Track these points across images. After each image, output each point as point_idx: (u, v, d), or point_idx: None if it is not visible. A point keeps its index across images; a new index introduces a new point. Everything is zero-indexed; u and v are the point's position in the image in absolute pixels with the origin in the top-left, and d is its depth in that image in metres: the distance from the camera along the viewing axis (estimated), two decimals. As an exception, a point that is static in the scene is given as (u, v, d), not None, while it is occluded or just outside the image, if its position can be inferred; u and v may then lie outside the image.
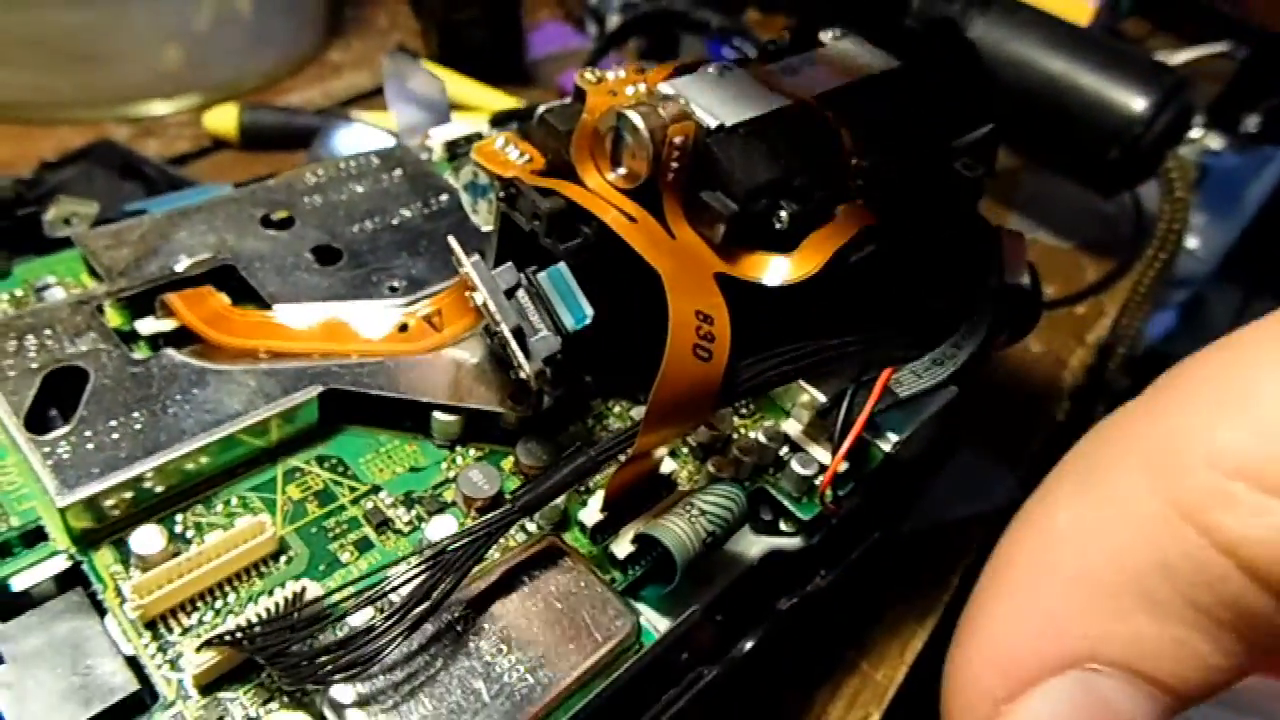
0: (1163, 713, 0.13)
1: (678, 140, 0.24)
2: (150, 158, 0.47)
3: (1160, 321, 0.62)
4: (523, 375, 0.24)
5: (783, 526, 0.29)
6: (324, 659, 0.20)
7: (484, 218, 0.29)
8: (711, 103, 0.26)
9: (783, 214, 0.26)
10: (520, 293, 0.24)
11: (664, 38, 0.65)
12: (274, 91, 0.58)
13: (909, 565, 0.38)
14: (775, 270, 0.26)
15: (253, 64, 0.58)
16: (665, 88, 0.27)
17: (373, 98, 0.59)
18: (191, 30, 0.54)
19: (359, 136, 0.50)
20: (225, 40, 0.55)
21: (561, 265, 0.24)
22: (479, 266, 0.23)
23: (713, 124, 0.26)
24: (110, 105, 0.53)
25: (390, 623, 0.20)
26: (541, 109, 0.28)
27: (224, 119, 0.52)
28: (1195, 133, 0.65)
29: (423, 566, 0.21)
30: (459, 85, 0.56)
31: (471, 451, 0.27)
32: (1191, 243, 0.63)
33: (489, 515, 0.22)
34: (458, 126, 0.37)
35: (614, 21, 0.67)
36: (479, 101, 0.57)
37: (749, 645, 0.26)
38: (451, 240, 0.24)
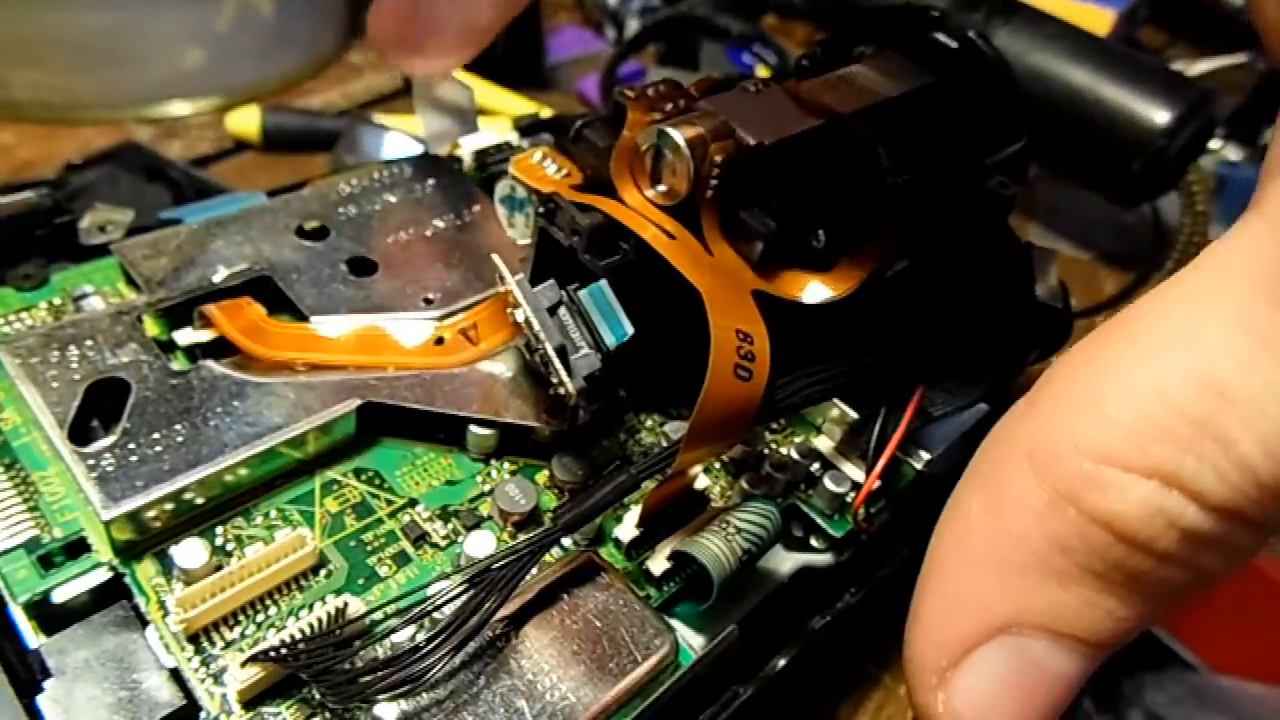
0: (1085, 663, 0.15)
1: (718, 158, 0.24)
2: (174, 160, 0.47)
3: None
4: (563, 392, 0.24)
5: (813, 543, 0.29)
6: (370, 678, 0.20)
7: (520, 232, 0.29)
8: (750, 120, 0.26)
9: (820, 232, 0.27)
10: (562, 310, 0.24)
11: (683, 43, 0.65)
12: (294, 93, 0.58)
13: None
14: (813, 289, 0.26)
15: (273, 65, 0.58)
16: (704, 105, 0.27)
17: (392, 100, 0.59)
18: (213, 32, 0.54)
19: (381, 140, 0.50)
20: (246, 42, 0.56)
21: (603, 283, 0.24)
22: (523, 284, 0.23)
23: (752, 142, 0.26)
24: (133, 106, 0.53)
25: (436, 642, 0.20)
26: (579, 123, 0.28)
27: (246, 121, 0.52)
28: (1214, 144, 0.65)
29: (466, 585, 0.21)
30: (479, 89, 0.56)
31: (506, 465, 0.27)
32: (1209, 254, 0.63)
33: (533, 534, 0.22)
34: (487, 135, 0.37)
35: (633, 27, 0.67)
36: (498, 106, 0.57)
37: (782, 663, 0.26)
38: (495, 258, 0.24)
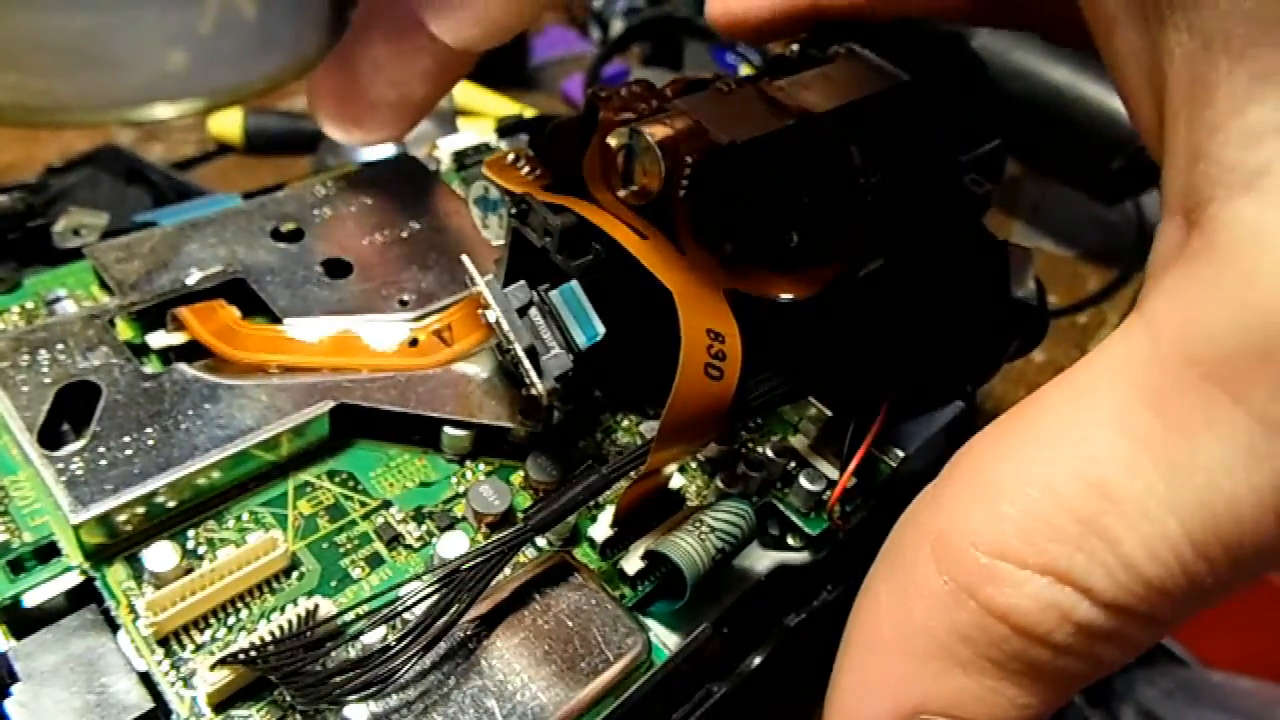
0: None
1: (689, 158, 0.24)
2: (155, 163, 0.47)
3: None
4: (535, 393, 0.24)
5: (790, 541, 0.29)
6: (339, 679, 0.20)
7: (494, 232, 0.29)
8: (722, 119, 0.26)
9: (793, 232, 0.27)
10: (533, 311, 0.24)
11: (667, 44, 0.65)
12: (278, 95, 0.58)
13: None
14: (786, 288, 0.26)
15: (257, 68, 0.58)
16: (677, 104, 0.27)
17: (376, 102, 0.59)
18: (196, 34, 0.54)
19: (364, 142, 0.49)
20: (229, 44, 0.55)
21: (574, 283, 0.24)
22: (492, 285, 0.23)
23: (724, 141, 0.26)
24: (114, 109, 0.53)
25: (405, 643, 0.20)
26: (552, 124, 0.28)
27: (228, 123, 0.52)
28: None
29: (436, 585, 0.21)
30: (462, 90, 0.56)
31: (481, 466, 0.27)
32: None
33: (503, 534, 0.22)
34: (465, 136, 0.37)
35: (617, 27, 0.67)
36: (482, 106, 0.57)
37: (757, 661, 0.26)
38: (465, 259, 0.24)
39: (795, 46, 0.33)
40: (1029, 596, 0.14)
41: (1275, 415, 0.13)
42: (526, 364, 0.23)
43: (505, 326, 0.23)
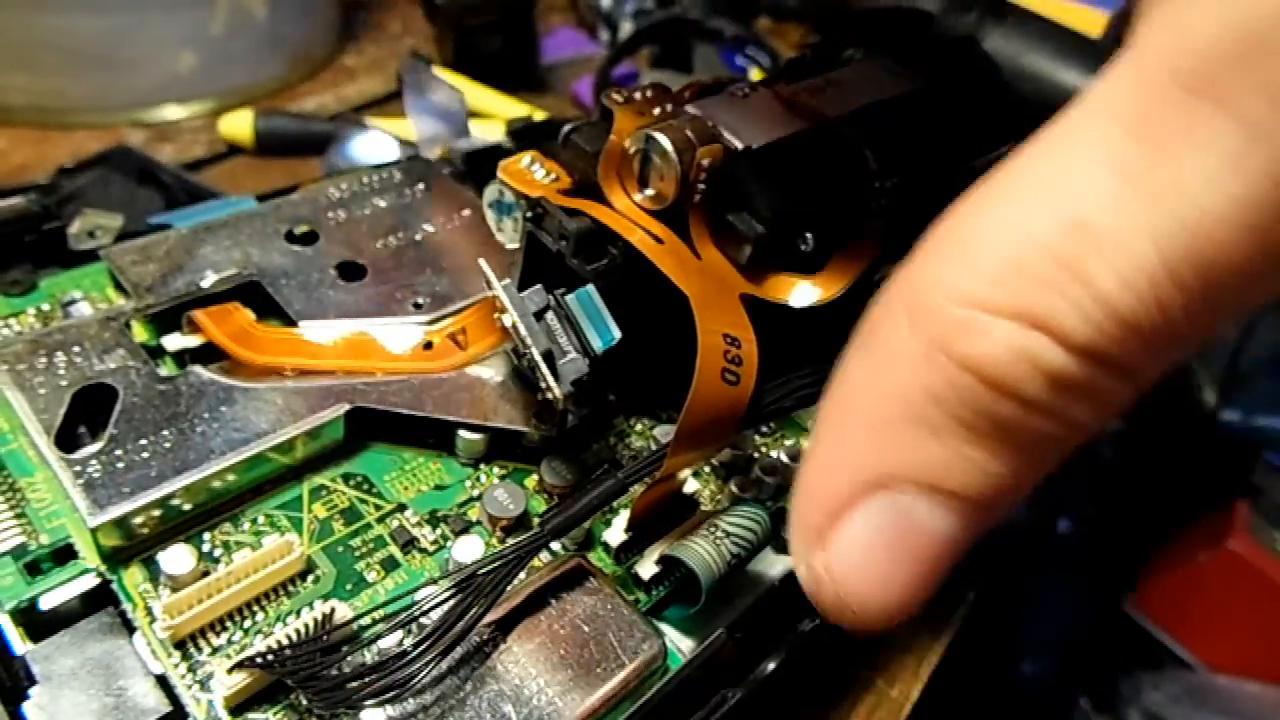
0: (962, 522, 0.15)
1: (705, 162, 0.24)
2: (166, 164, 0.47)
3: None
4: (551, 397, 0.24)
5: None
6: (356, 684, 0.20)
7: (508, 236, 0.29)
8: (737, 124, 0.26)
9: (808, 235, 0.27)
10: (549, 315, 0.24)
11: (677, 46, 0.65)
12: (287, 96, 0.58)
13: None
14: (801, 292, 0.26)
15: (267, 69, 0.58)
16: (692, 109, 0.27)
17: (386, 103, 0.59)
18: (206, 35, 0.54)
19: (374, 143, 0.50)
20: (239, 45, 0.56)
21: (590, 287, 0.24)
22: (509, 290, 0.23)
23: (739, 146, 0.26)
24: (125, 110, 0.53)
25: (423, 648, 0.20)
26: (567, 128, 0.28)
27: (239, 125, 0.52)
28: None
29: (453, 590, 0.21)
30: (473, 91, 0.56)
31: (495, 470, 0.27)
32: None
33: (519, 539, 0.22)
34: (478, 139, 0.37)
35: (626, 29, 0.67)
36: (492, 108, 0.57)
37: (771, 666, 0.26)
38: (482, 263, 0.24)
39: (808, 51, 0.33)
40: (999, 344, 0.13)
41: (1259, 115, 0.12)
42: (543, 368, 0.23)
43: (522, 331, 0.23)
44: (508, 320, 0.24)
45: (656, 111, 0.27)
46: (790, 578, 0.28)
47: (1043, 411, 0.14)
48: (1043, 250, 0.13)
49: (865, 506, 0.15)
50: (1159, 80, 0.13)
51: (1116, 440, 0.76)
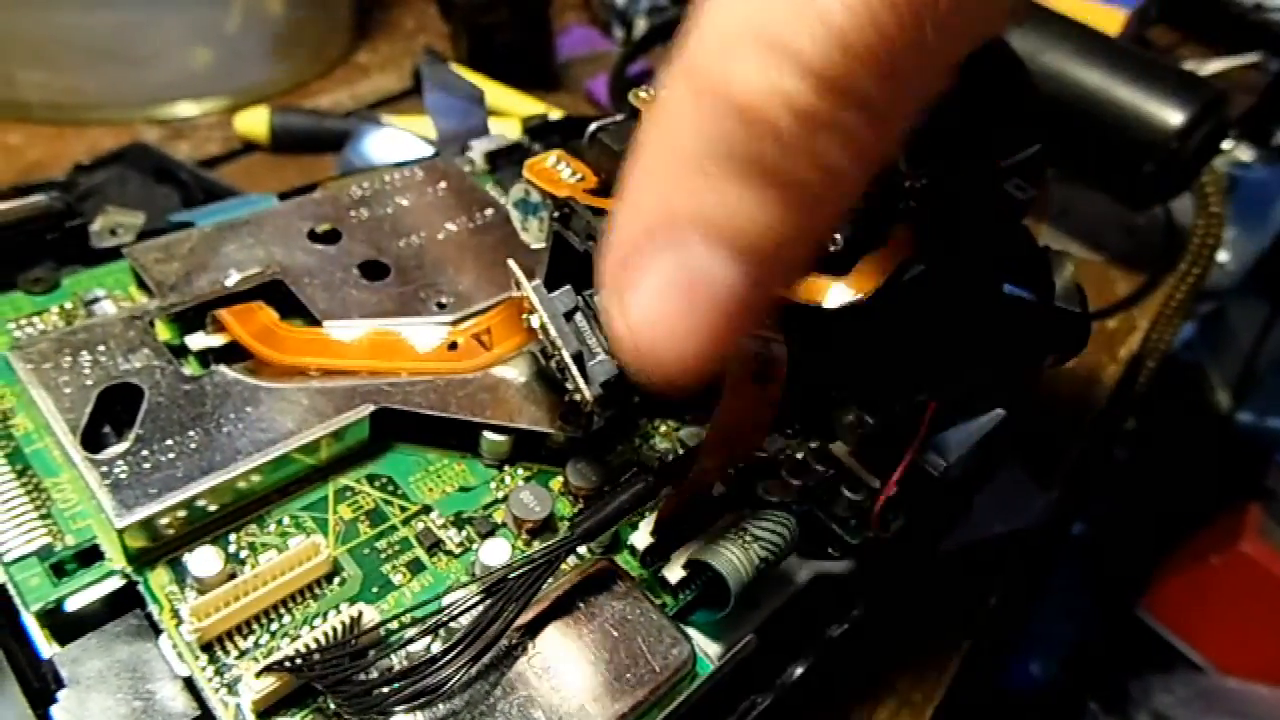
0: (743, 271, 0.15)
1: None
2: (182, 161, 0.47)
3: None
4: (580, 399, 0.24)
5: (830, 550, 0.28)
6: (386, 689, 0.20)
7: (534, 235, 0.29)
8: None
9: (837, 236, 0.26)
10: (578, 315, 0.24)
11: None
12: (302, 94, 0.58)
13: (945, 584, 0.38)
14: (831, 292, 0.26)
15: (281, 66, 0.58)
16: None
17: (400, 100, 0.59)
18: (221, 32, 0.54)
19: (390, 141, 0.49)
20: (254, 42, 0.55)
21: None
22: (539, 290, 0.23)
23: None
24: (141, 107, 0.53)
25: (454, 653, 0.20)
26: (593, 126, 0.27)
27: (255, 122, 0.52)
28: (1225, 144, 0.65)
29: (482, 594, 0.21)
30: (487, 89, 0.56)
31: (520, 471, 0.27)
32: (1220, 256, 0.63)
33: (549, 543, 0.22)
34: (497, 138, 0.37)
35: (641, 26, 0.66)
36: (507, 106, 0.56)
37: (799, 672, 0.26)
38: (511, 263, 0.24)
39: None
40: (750, 77, 0.14)
41: None
42: (574, 370, 0.23)
43: (552, 332, 0.23)
44: (536, 321, 0.24)
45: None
46: (815, 582, 0.27)
47: (795, 149, 0.14)
48: None
49: (655, 259, 0.15)
50: None
51: (1129, 442, 0.76)
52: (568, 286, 0.24)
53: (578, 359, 0.23)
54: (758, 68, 0.14)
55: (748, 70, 0.14)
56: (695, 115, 0.15)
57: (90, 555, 0.23)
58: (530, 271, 0.25)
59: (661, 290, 0.15)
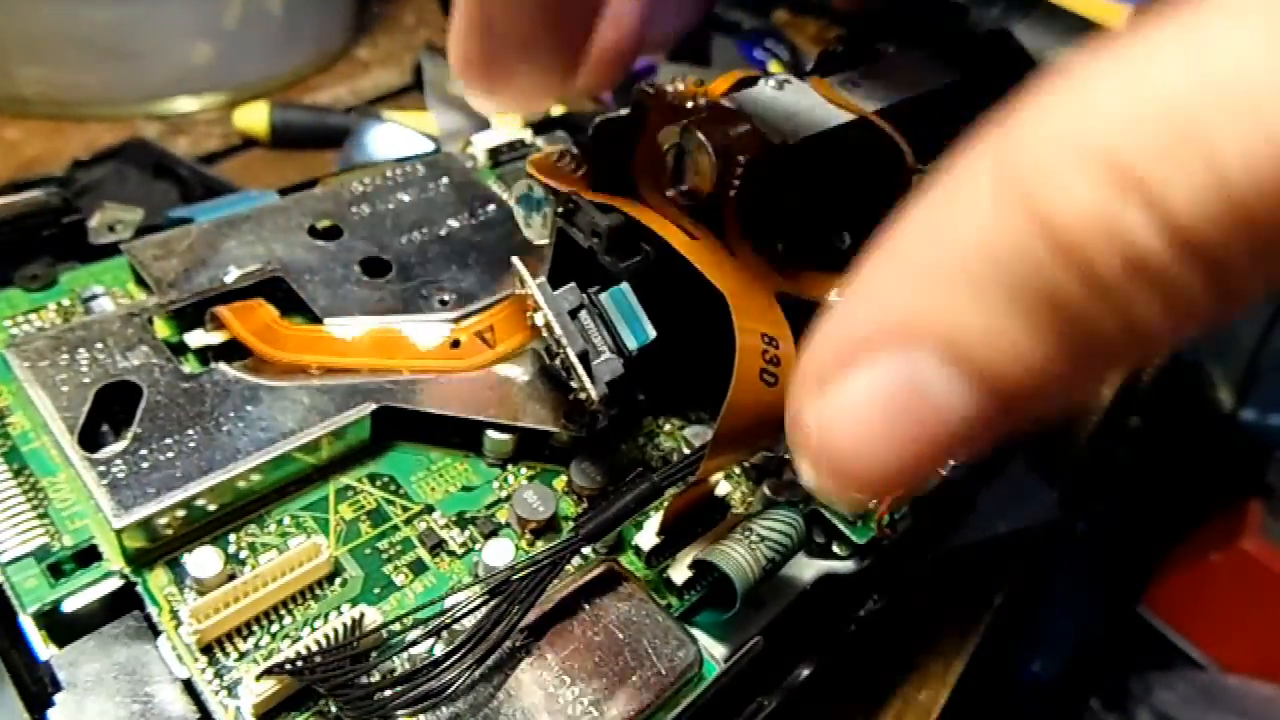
0: (976, 404, 0.13)
1: (741, 157, 0.24)
2: (181, 157, 0.46)
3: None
4: (585, 398, 0.23)
5: (836, 550, 0.28)
6: (389, 692, 0.19)
7: (537, 232, 0.28)
8: (774, 118, 0.26)
9: (845, 233, 0.26)
10: (583, 313, 0.23)
11: (695, 39, 0.64)
12: (301, 89, 0.58)
13: (951, 583, 0.37)
14: (837, 291, 0.25)
15: (281, 61, 0.57)
16: (727, 102, 0.26)
17: (400, 96, 0.59)
18: (221, 27, 0.53)
19: (391, 137, 0.49)
20: (253, 37, 0.55)
21: (625, 286, 0.24)
22: (544, 288, 0.23)
23: (776, 140, 0.25)
24: (140, 102, 0.52)
25: (458, 656, 0.20)
26: (598, 121, 0.27)
27: (254, 117, 0.51)
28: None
29: (486, 596, 0.21)
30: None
31: (523, 470, 0.27)
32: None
33: (554, 544, 0.21)
34: (500, 133, 0.37)
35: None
36: (509, 102, 0.56)
37: (806, 673, 0.26)
38: (516, 261, 0.23)
39: (839, 44, 0.32)
40: (1084, 201, 0.11)
41: None
42: (579, 369, 0.22)
43: (557, 330, 0.22)
44: (540, 319, 0.23)
45: (690, 105, 0.26)
46: (821, 582, 0.27)
47: (1106, 297, 0.12)
48: (1166, 107, 0.11)
49: (877, 360, 0.13)
50: None
51: (1131, 439, 0.76)
52: (572, 284, 0.23)
53: (583, 358, 0.23)
54: (1101, 200, 0.11)
55: (1085, 198, 0.11)
56: (993, 223, 0.12)
57: (88, 556, 0.22)
58: (534, 269, 0.25)
59: (872, 397, 0.13)
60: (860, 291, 0.14)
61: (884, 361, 0.13)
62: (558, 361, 0.24)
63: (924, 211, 0.13)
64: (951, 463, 0.14)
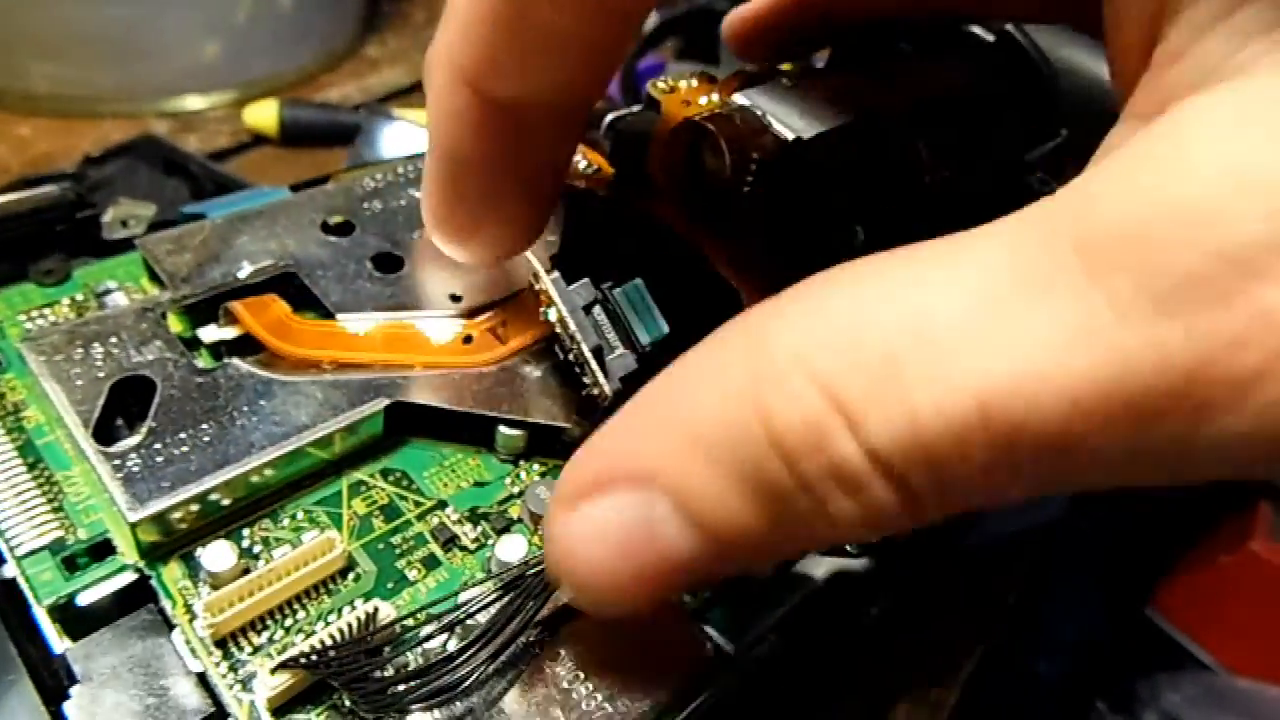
0: (697, 549, 0.15)
1: (755, 154, 0.24)
2: (192, 153, 0.46)
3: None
4: (598, 393, 0.23)
5: (847, 546, 0.28)
6: (403, 687, 0.19)
7: (549, 228, 0.28)
8: (787, 115, 0.26)
9: (859, 229, 0.26)
10: (596, 309, 0.23)
11: (702, 37, 0.64)
12: (311, 87, 0.58)
13: (960, 582, 0.37)
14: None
15: (290, 59, 0.57)
16: (740, 98, 0.26)
17: (410, 94, 0.59)
18: (230, 24, 0.53)
19: (401, 135, 0.49)
20: (263, 35, 0.55)
21: (639, 281, 0.24)
22: (558, 283, 0.23)
23: (790, 137, 0.25)
24: (149, 99, 0.53)
25: (473, 650, 0.20)
26: (610, 117, 0.27)
27: (264, 115, 0.51)
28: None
29: (500, 591, 0.21)
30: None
31: (535, 466, 0.27)
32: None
33: (568, 539, 0.21)
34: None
35: (651, 20, 0.66)
36: (518, 100, 0.56)
37: (816, 669, 0.26)
38: (530, 255, 0.23)
39: (853, 41, 0.32)
40: (800, 408, 0.13)
41: (1123, 300, 0.12)
42: (593, 364, 0.22)
43: (571, 325, 0.22)
44: (554, 315, 0.23)
45: (703, 101, 0.26)
46: (833, 579, 0.27)
47: (810, 494, 0.14)
48: (879, 341, 0.13)
49: (623, 492, 0.15)
50: (1058, 233, 0.13)
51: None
52: (586, 279, 0.23)
53: (597, 353, 0.23)
54: (809, 408, 0.13)
55: (797, 405, 0.13)
56: (733, 406, 0.14)
57: (102, 549, 0.22)
58: (547, 264, 0.25)
59: (609, 525, 0.15)
60: (623, 427, 0.16)
61: (628, 497, 0.15)
62: (570, 356, 0.24)
63: (686, 372, 0.15)
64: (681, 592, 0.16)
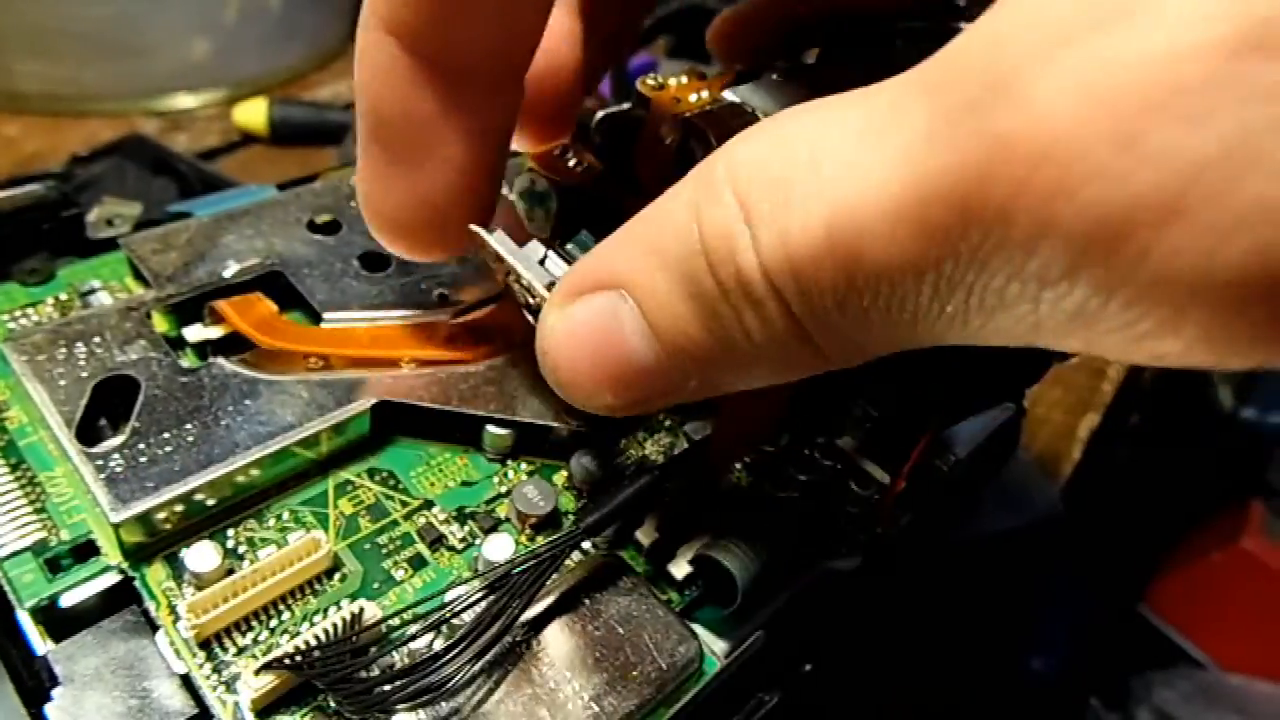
0: (653, 352, 0.17)
1: (743, 151, 0.24)
2: (180, 153, 0.46)
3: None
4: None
5: (837, 546, 0.28)
6: (388, 687, 0.19)
7: (540, 226, 0.28)
8: (778, 111, 0.26)
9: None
10: (549, 259, 0.23)
11: (694, 35, 0.64)
12: (300, 85, 0.57)
13: (951, 578, 0.37)
14: None
15: (280, 58, 0.57)
16: (730, 95, 0.26)
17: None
18: (220, 23, 0.53)
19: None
20: (253, 34, 0.55)
21: (585, 232, 0.23)
22: (503, 240, 0.22)
23: (778, 134, 0.25)
24: (138, 98, 0.52)
25: (458, 650, 0.19)
26: (600, 114, 0.27)
27: (253, 114, 0.51)
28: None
29: (485, 590, 0.21)
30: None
31: (523, 465, 0.27)
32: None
33: (555, 537, 0.21)
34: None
35: (643, 18, 0.66)
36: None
37: (807, 669, 0.25)
38: (475, 228, 0.23)
39: (843, 35, 0.32)
40: (722, 215, 0.15)
41: (935, 122, 0.13)
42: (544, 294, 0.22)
43: (526, 276, 0.22)
44: (508, 273, 0.22)
45: (693, 98, 0.26)
46: (824, 578, 0.27)
47: (727, 300, 0.15)
48: (780, 164, 0.15)
49: (598, 295, 0.17)
50: (915, 79, 0.14)
51: (1131, 437, 0.76)
52: (534, 240, 0.23)
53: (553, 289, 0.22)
54: (726, 217, 0.15)
55: (721, 213, 0.15)
56: (684, 220, 0.16)
57: (85, 550, 0.22)
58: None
59: (586, 319, 0.17)
60: (609, 241, 0.18)
61: (600, 298, 0.17)
62: (529, 312, 0.23)
63: (666, 196, 0.17)
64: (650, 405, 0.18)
